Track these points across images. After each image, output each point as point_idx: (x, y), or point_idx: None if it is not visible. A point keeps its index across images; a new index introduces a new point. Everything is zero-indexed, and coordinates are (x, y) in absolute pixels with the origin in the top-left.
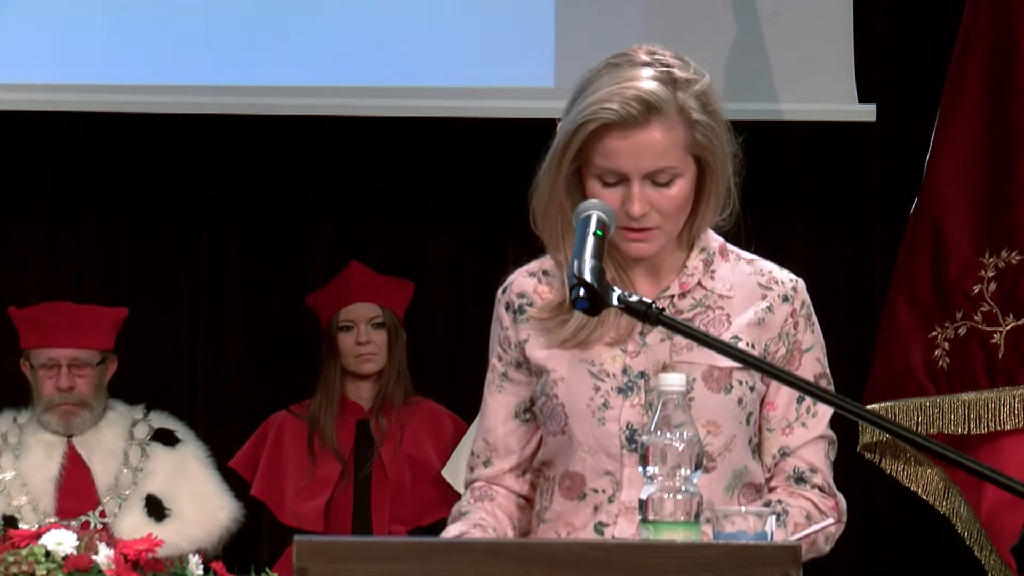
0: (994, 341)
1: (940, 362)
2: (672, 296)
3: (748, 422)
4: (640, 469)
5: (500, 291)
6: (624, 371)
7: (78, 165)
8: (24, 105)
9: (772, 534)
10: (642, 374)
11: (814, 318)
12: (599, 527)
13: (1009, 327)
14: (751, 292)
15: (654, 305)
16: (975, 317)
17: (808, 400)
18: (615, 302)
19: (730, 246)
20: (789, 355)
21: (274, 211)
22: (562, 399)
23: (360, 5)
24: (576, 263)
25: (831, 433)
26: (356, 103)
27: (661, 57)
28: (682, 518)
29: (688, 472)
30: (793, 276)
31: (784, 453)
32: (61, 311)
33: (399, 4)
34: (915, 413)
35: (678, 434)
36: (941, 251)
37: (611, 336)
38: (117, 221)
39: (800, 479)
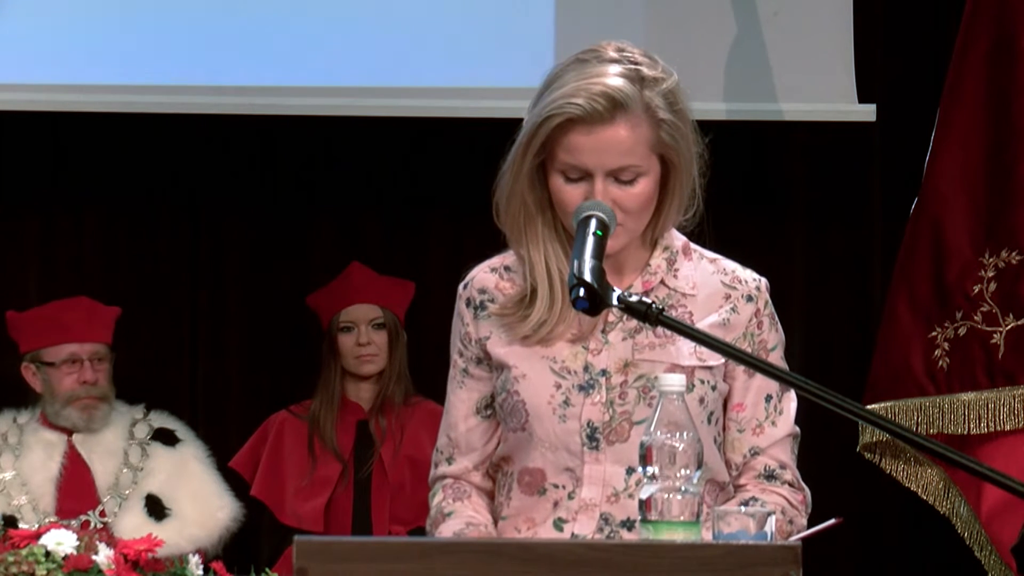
0: (994, 341)
1: (940, 362)
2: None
3: (710, 421)
4: (640, 469)
5: (461, 287)
6: (586, 368)
7: (78, 165)
8: (24, 105)
9: (772, 534)
10: (604, 372)
11: (776, 317)
12: (559, 523)
13: (1009, 327)
14: (714, 291)
15: (654, 305)
16: (975, 317)
17: (775, 398)
18: (615, 302)
19: (693, 245)
20: (755, 354)
21: (274, 211)
22: (523, 396)
23: (360, 5)
24: (576, 263)
25: (796, 428)
26: (356, 103)
27: (629, 54)
28: (682, 518)
29: (688, 472)
30: (756, 275)
31: (755, 452)
32: (78, 307)
33: (399, 4)
34: (915, 413)
35: (678, 434)
36: (941, 251)
37: (572, 333)
38: (117, 221)
39: (771, 476)
